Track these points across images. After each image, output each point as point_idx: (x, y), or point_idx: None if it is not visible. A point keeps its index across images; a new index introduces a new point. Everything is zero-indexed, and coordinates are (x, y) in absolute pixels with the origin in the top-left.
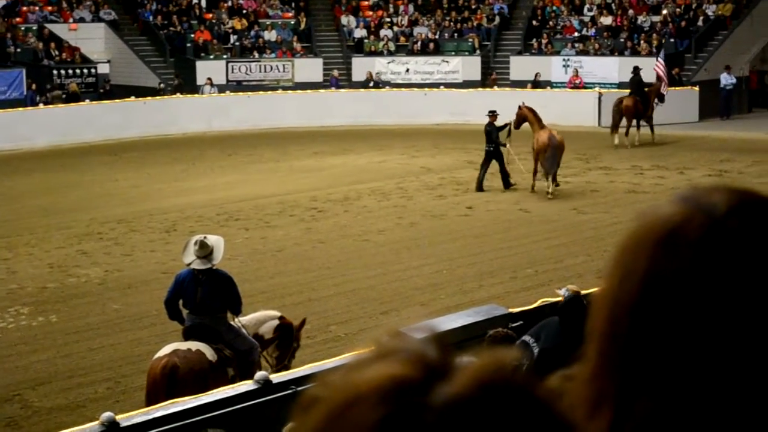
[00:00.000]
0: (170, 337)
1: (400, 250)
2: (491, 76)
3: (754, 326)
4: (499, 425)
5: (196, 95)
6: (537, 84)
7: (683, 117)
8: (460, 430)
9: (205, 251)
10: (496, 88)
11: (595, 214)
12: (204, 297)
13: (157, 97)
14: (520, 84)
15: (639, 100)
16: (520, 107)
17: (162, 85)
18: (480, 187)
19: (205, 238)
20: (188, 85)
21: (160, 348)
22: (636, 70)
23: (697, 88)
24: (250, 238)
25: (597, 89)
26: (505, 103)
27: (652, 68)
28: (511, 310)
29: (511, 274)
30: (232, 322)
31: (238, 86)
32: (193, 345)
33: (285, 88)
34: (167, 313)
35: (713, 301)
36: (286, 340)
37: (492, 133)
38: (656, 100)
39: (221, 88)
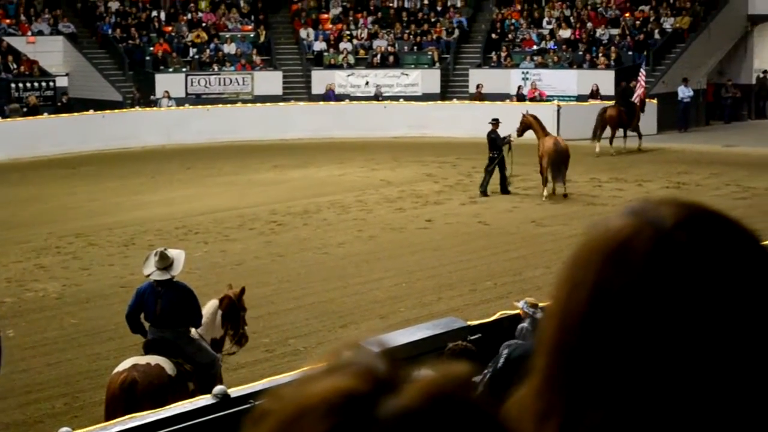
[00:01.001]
0: (129, 351)
1: (359, 263)
2: (478, 88)
3: (699, 338)
4: None
5: (155, 108)
6: (482, 96)
7: (642, 129)
8: None
9: (164, 262)
10: (455, 100)
11: (554, 227)
12: (164, 309)
13: (117, 110)
14: (479, 97)
15: (624, 110)
16: (524, 115)
17: (130, 97)
18: (485, 192)
19: (165, 249)
20: (147, 98)
21: (118, 363)
22: (625, 83)
23: (655, 101)
24: (209, 251)
25: (556, 102)
26: (465, 115)
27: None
28: (470, 322)
29: (471, 286)
30: (193, 336)
31: (198, 99)
32: (153, 359)
33: (244, 101)
34: (129, 326)
35: (661, 313)
36: (233, 315)
37: (496, 140)
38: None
39: (180, 101)
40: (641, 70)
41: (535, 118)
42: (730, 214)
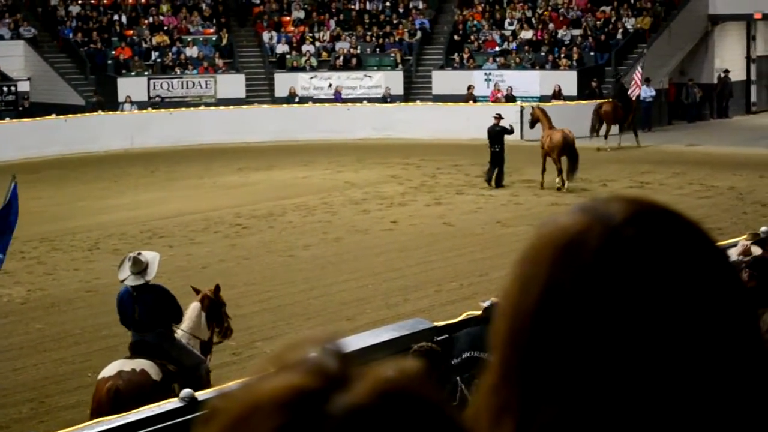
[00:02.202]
0: (95, 356)
1: (325, 266)
2: (469, 90)
3: (649, 332)
4: None
5: (118, 112)
6: (474, 98)
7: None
8: None
9: (138, 267)
10: (418, 102)
11: (519, 227)
12: (141, 314)
13: (79, 115)
14: (443, 98)
15: (619, 106)
16: (533, 108)
17: (92, 101)
18: (491, 182)
19: (139, 254)
20: (109, 102)
21: (84, 367)
22: (618, 77)
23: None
24: (174, 255)
25: (519, 103)
26: (428, 116)
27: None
28: (436, 323)
29: (436, 287)
30: (177, 337)
31: (161, 103)
32: (138, 365)
33: (207, 105)
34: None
35: (611, 309)
36: (215, 312)
37: (501, 132)
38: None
39: (143, 105)
40: (638, 67)
41: (542, 110)
42: (678, 208)
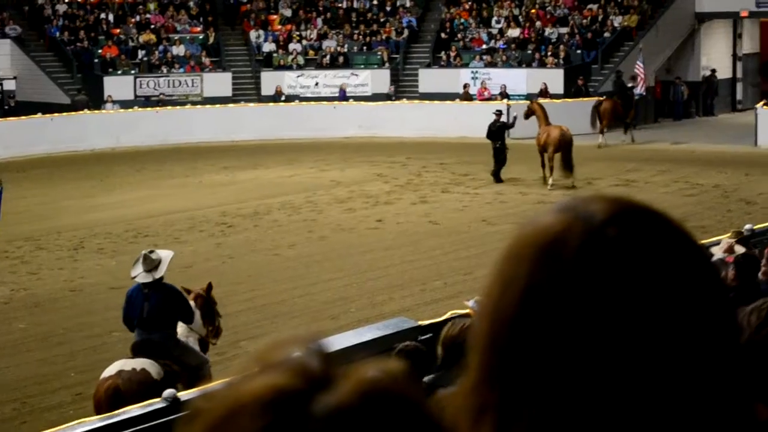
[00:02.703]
0: (78, 356)
1: (310, 264)
2: (465, 88)
3: (631, 333)
4: None
5: (104, 111)
6: (469, 96)
7: (591, 127)
8: None
9: (150, 264)
10: (405, 100)
11: (504, 226)
12: (150, 311)
13: (65, 114)
14: (429, 96)
15: (619, 103)
16: (531, 101)
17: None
18: (497, 178)
19: (151, 252)
20: (96, 100)
21: (67, 368)
22: (618, 73)
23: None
24: None
25: (505, 101)
26: (415, 115)
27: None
28: (420, 322)
29: (421, 286)
30: (180, 337)
31: (147, 101)
32: (139, 364)
33: (194, 103)
34: (128, 329)
35: (594, 309)
36: (208, 310)
37: (502, 128)
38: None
39: (129, 104)
40: (638, 62)
41: (540, 106)
42: (658, 207)
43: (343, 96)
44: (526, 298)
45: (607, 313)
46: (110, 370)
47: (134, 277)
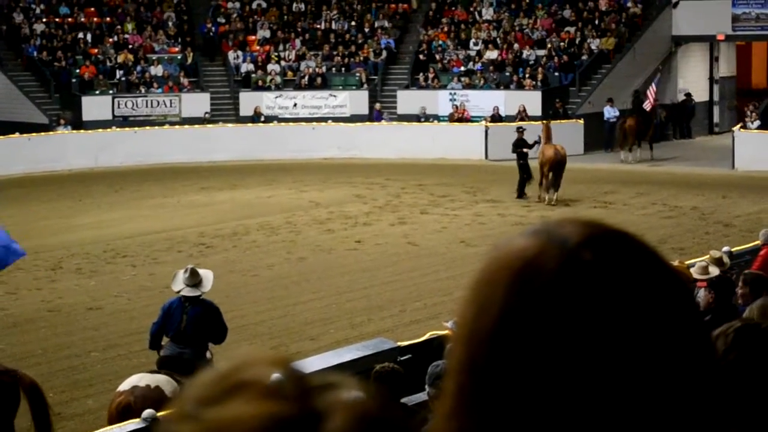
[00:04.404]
0: (56, 376)
1: (289, 285)
2: (457, 110)
3: (607, 357)
4: None
5: (82, 131)
6: (462, 118)
7: (568, 150)
8: None
9: (194, 279)
10: (384, 122)
11: (483, 247)
12: (188, 325)
13: (43, 133)
14: (407, 118)
15: (641, 120)
16: (545, 122)
17: (55, 120)
18: (522, 194)
19: (195, 267)
20: (74, 120)
21: (45, 388)
22: (636, 92)
23: (581, 121)
24: (137, 274)
25: (484, 122)
26: (394, 136)
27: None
28: (400, 343)
29: (400, 307)
30: (208, 356)
31: (125, 122)
32: (154, 381)
33: (172, 123)
34: (150, 342)
35: (570, 332)
36: None
37: (523, 145)
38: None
39: (107, 124)
40: (653, 84)
41: (547, 126)
42: (629, 230)
43: (378, 117)
44: (503, 322)
45: (583, 336)
46: (125, 386)
47: (178, 291)
